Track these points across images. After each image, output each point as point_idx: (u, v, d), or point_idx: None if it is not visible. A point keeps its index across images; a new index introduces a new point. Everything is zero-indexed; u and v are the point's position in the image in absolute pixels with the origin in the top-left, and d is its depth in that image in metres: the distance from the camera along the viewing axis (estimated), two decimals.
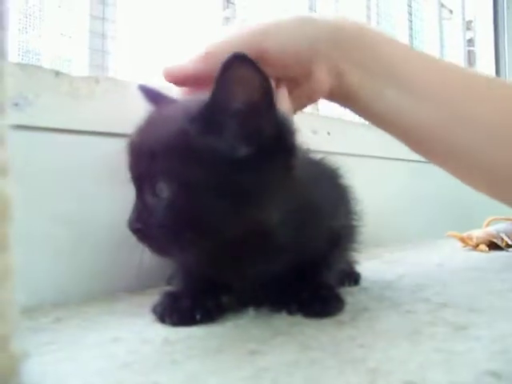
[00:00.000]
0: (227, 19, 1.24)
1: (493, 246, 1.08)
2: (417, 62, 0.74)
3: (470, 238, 1.11)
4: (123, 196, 0.71)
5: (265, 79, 0.47)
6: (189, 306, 0.54)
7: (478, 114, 0.77)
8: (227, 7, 1.24)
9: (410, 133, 0.74)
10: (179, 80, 0.62)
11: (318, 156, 0.67)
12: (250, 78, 0.47)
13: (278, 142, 0.50)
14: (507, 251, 1.05)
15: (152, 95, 0.61)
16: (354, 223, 0.68)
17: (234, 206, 0.49)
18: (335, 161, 0.69)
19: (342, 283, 0.71)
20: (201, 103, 0.50)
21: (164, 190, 0.50)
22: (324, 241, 0.59)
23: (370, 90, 0.69)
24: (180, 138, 0.50)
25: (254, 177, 0.50)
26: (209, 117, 0.50)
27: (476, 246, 1.10)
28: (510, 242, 1.07)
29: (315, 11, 1.54)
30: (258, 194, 0.50)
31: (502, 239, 1.08)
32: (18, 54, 0.98)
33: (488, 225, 1.18)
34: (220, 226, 0.50)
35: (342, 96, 0.67)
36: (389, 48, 0.69)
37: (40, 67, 0.70)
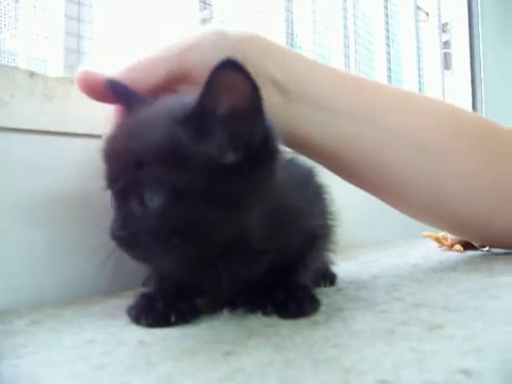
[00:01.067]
0: (204, 21, 1.24)
1: (468, 245, 1.09)
2: (327, 77, 0.75)
3: (445, 238, 1.12)
4: (100, 199, 0.71)
5: (254, 86, 0.47)
6: (163, 307, 0.54)
7: (389, 123, 0.78)
8: (204, 9, 1.24)
9: (324, 152, 0.75)
10: (91, 87, 0.60)
11: (290, 155, 0.67)
12: (240, 84, 0.47)
13: (264, 147, 0.51)
14: (481, 251, 1.06)
15: (121, 92, 0.59)
16: (330, 223, 0.68)
17: (223, 212, 0.49)
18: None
19: (317, 284, 0.71)
20: (185, 106, 0.50)
21: (154, 200, 0.49)
22: (300, 241, 0.59)
23: (281, 106, 0.70)
24: (170, 144, 0.49)
25: (241, 182, 0.50)
26: (197, 121, 0.49)
27: (451, 246, 1.11)
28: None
29: (292, 13, 1.54)
30: (245, 198, 0.50)
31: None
32: None
33: None
34: (209, 232, 0.50)
35: None
36: (299, 65, 0.71)
37: (15, 67, 0.70)
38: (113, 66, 0.62)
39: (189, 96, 0.52)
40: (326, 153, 0.75)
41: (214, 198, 0.49)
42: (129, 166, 0.50)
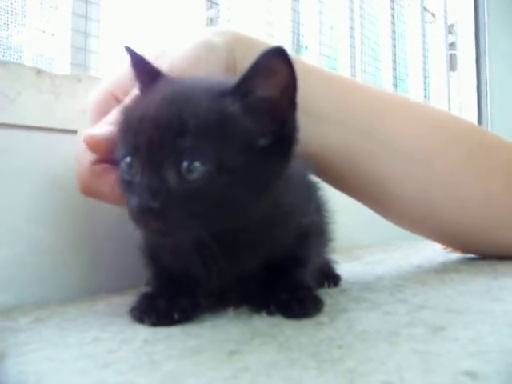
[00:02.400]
0: (211, 20, 1.24)
1: None
2: (315, 80, 0.75)
3: None
4: None
5: (295, 77, 0.50)
6: (166, 306, 0.54)
7: (379, 129, 0.78)
8: (211, 7, 1.24)
9: (321, 162, 0.75)
10: (96, 147, 0.58)
11: None
12: (283, 73, 0.49)
13: (289, 136, 0.53)
14: None
15: (140, 64, 0.56)
16: (324, 220, 0.68)
17: (251, 192, 0.51)
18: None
19: (321, 284, 0.71)
20: (225, 83, 0.52)
21: (195, 171, 0.48)
22: (293, 237, 0.59)
23: None
24: (220, 115, 0.50)
25: (267, 165, 0.51)
26: (242, 97, 0.51)
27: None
28: None
29: (298, 13, 1.54)
30: (267, 182, 0.52)
31: None
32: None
33: None
34: (237, 211, 0.51)
35: None
36: None
37: (21, 65, 0.70)
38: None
39: (209, 77, 0.55)
40: (315, 162, 0.75)
41: (248, 178, 0.50)
42: (170, 133, 0.48)
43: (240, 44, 0.69)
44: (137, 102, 0.54)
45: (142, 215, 0.48)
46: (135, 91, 0.58)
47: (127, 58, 0.56)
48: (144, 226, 0.50)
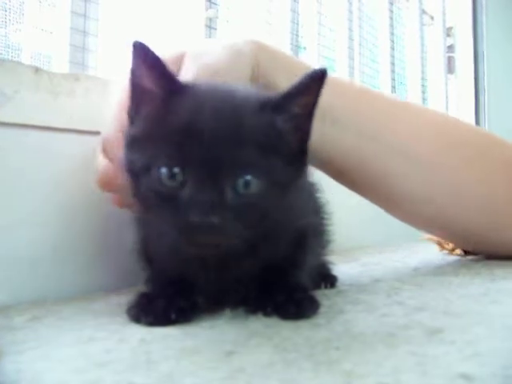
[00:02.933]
0: (210, 19, 1.24)
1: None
2: (335, 89, 0.76)
3: (447, 243, 1.12)
4: (102, 195, 0.71)
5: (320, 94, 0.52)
6: (163, 306, 0.54)
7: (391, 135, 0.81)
8: (210, 7, 1.24)
9: (321, 159, 0.76)
10: (109, 187, 0.62)
11: None
12: (317, 91, 0.52)
13: (306, 146, 0.54)
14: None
15: (154, 63, 0.51)
16: (322, 221, 0.68)
17: (287, 202, 0.53)
18: None
19: (318, 286, 0.71)
20: (265, 96, 0.53)
21: (251, 186, 0.49)
22: (291, 238, 0.59)
23: None
24: (271, 129, 0.51)
25: (295, 174, 0.54)
26: (282, 113, 0.52)
27: (452, 250, 1.10)
28: None
29: (297, 14, 1.54)
30: (292, 189, 0.54)
31: None
32: None
33: None
34: (279, 221, 0.54)
35: None
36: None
37: (19, 63, 0.70)
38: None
39: (239, 86, 0.55)
40: (322, 159, 0.76)
41: (287, 188, 0.52)
42: (229, 146, 0.49)
43: (264, 53, 0.70)
44: (165, 108, 0.51)
45: (201, 231, 0.48)
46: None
47: (138, 55, 0.52)
48: (198, 241, 0.49)
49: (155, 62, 0.51)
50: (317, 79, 0.51)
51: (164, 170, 0.49)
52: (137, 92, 0.53)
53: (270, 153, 0.50)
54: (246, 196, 0.49)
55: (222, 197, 0.48)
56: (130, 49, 0.51)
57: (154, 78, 0.52)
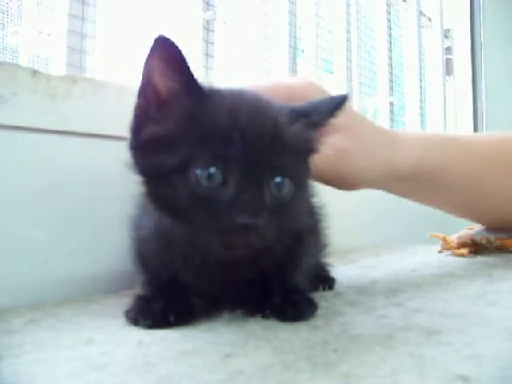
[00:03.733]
0: (207, 22, 1.24)
1: (473, 249, 1.08)
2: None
3: (452, 240, 1.11)
4: (100, 197, 0.71)
5: None
6: (162, 308, 0.54)
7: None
8: (207, 10, 1.24)
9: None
10: None
11: None
12: (336, 110, 0.57)
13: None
14: (482, 254, 1.06)
15: (179, 60, 0.50)
16: (318, 223, 0.69)
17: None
18: None
19: (316, 287, 0.71)
20: (291, 106, 0.56)
21: (284, 188, 0.51)
22: (290, 240, 0.59)
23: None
24: (302, 134, 0.53)
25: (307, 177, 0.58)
26: (304, 119, 0.55)
27: (457, 248, 1.10)
28: (491, 239, 1.07)
29: (295, 16, 1.54)
30: None
31: (483, 238, 1.08)
32: None
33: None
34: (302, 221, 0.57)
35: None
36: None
37: (17, 65, 0.70)
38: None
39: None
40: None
41: (304, 189, 0.56)
42: (272, 150, 0.50)
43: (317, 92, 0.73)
44: (197, 108, 0.50)
45: (245, 233, 0.47)
46: None
47: (161, 51, 0.50)
48: (240, 242, 0.48)
49: (182, 60, 0.50)
50: (338, 103, 0.57)
51: (203, 171, 0.48)
52: (158, 90, 0.52)
53: (298, 155, 0.52)
54: (279, 197, 0.50)
55: (263, 198, 0.49)
56: (152, 43, 0.49)
57: (179, 78, 0.51)
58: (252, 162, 0.48)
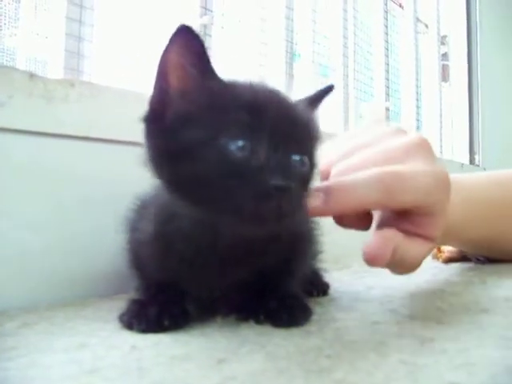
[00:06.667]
0: (205, 26, 1.24)
1: (462, 259, 1.09)
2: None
3: (443, 251, 1.12)
4: (96, 201, 0.71)
5: None
6: (156, 312, 0.53)
7: None
8: (205, 14, 1.24)
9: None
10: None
11: None
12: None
13: None
14: (476, 262, 1.06)
15: (200, 50, 0.52)
16: (312, 229, 0.69)
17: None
18: None
19: (310, 293, 0.71)
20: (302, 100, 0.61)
21: (306, 164, 0.54)
22: (284, 245, 0.59)
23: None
24: (311, 118, 0.58)
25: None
26: (314, 109, 0.62)
27: (446, 262, 1.10)
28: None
29: (292, 21, 1.54)
30: None
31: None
32: None
33: None
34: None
35: None
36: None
37: (14, 68, 0.70)
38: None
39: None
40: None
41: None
42: (302, 132, 0.55)
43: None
44: (220, 89, 0.52)
45: (279, 195, 0.48)
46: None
47: (184, 38, 0.51)
48: (273, 206, 0.48)
49: (204, 49, 0.52)
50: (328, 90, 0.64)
51: (233, 142, 0.49)
52: (180, 74, 0.52)
53: (314, 140, 0.57)
54: (300, 173, 0.53)
55: (290, 166, 0.52)
56: (175, 31, 0.51)
57: (201, 65, 0.52)
58: (278, 137, 0.51)
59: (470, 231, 0.88)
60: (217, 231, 0.52)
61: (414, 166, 0.60)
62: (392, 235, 0.58)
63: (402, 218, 0.61)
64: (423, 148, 0.63)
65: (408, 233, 0.60)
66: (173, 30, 0.50)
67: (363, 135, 0.67)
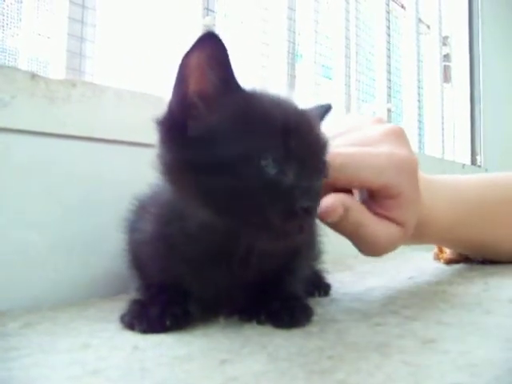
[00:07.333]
0: (207, 27, 1.24)
1: (464, 259, 1.08)
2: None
3: (444, 252, 1.12)
4: (98, 201, 0.71)
5: None
6: (158, 313, 0.53)
7: None
8: (207, 15, 1.24)
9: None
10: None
11: None
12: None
13: None
14: (477, 263, 1.06)
15: (225, 59, 0.51)
16: (316, 230, 0.69)
17: None
18: None
19: (312, 294, 0.71)
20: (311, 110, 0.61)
21: (320, 180, 0.55)
22: (286, 247, 0.59)
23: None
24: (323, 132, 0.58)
25: None
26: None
27: (447, 261, 1.10)
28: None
29: (294, 21, 1.54)
30: None
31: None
32: None
33: None
34: None
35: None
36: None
37: (16, 68, 0.70)
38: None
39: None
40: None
41: None
42: (325, 150, 0.56)
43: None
44: (246, 102, 0.53)
45: (305, 216, 0.51)
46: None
47: (210, 46, 0.50)
48: (301, 226, 0.52)
49: (228, 58, 0.51)
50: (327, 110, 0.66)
51: (268, 161, 0.50)
52: (204, 84, 0.52)
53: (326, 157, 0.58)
54: (317, 187, 0.55)
55: (316, 188, 0.54)
56: (200, 37, 0.50)
57: (225, 74, 0.52)
58: (305, 158, 0.53)
59: (461, 231, 0.89)
60: (232, 238, 0.53)
61: (378, 149, 0.65)
62: (343, 197, 0.62)
63: (372, 200, 0.66)
64: (396, 135, 0.68)
65: (379, 215, 0.65)
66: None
67: (345, 123, 0.72)
